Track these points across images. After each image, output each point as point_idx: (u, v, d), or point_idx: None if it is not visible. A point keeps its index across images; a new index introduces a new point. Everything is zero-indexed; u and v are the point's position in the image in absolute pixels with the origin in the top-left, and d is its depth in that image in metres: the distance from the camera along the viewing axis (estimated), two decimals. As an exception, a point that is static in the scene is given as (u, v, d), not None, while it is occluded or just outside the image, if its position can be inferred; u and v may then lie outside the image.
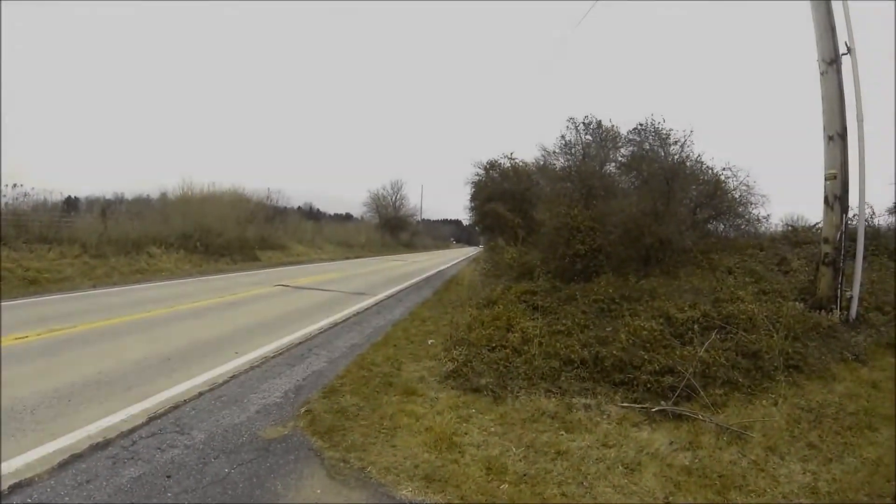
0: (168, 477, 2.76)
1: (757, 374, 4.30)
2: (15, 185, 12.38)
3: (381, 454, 3.08)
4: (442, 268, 20.26)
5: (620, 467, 2.95)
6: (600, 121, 11.10)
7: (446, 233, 67.55)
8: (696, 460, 3.05)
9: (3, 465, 2.78)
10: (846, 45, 5.43)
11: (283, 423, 3.59)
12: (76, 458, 2.94)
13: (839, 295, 5.47)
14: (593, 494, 2.66)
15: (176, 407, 3.81)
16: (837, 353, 4.81)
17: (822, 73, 5.57)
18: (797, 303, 5.49)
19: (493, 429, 3.51)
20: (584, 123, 11.20)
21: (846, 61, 5.47)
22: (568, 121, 11.37)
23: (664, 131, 9.06)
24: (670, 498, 2.64)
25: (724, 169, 8.68)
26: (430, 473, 2.83)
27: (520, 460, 3.03)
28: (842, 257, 5.49)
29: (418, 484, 2.73)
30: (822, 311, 5.39)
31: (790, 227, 9.39)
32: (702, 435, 3.38)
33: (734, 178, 8.65)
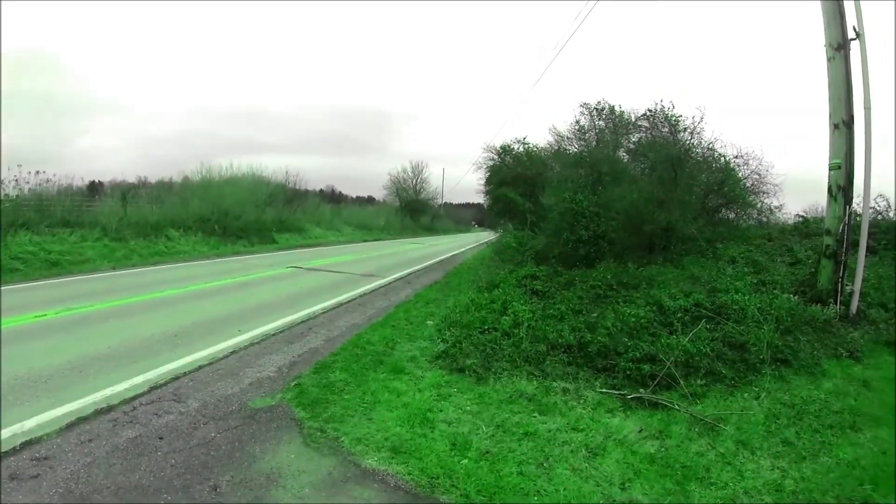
0: (160, 438, 3.03)
1: (742, 366, 4.26)
2: (38, 172, 13.03)
3: (356, 426, 3.26)
4: (457, 251, 20.42)
5: (584, 451, 3.02)
6: (612, 106, 10.99)
7: (468, 216, 66.98)
8: (663, 449, 3.06)
9: (17, 426, 3.09)
10: (854, 29, 5.24)
11: (272, 395, 3.81)
12: (82, 420, 3.26)
13: (839, 289, 5.36)
14: (550, 476, 2.74)
15: (176, 378, 4.08)
16: (831, 349, 4.69)
17: (829, 59, 5.39)
18: (792, 295, 5.41)
19: (468, 408, 3.64)
20: (596, 109, 11.10)
21: (854, 46, 5.28)
22: (581, 106, 11.29)
23: (673, 118, 8.90)
24: (626, 484, 2.70)
25: (735, 157, 8.50)
26: (398, 446, 2.99)
27: (486, 439, 3.15)
28: (844, 250, 5.36)
29: (385, 454, 2.90)
30: (821, 304, 5.31)
31: (801, 218, 9.19)
32: (674, 425, 3.37)
33: (745, 167, 8.47)
